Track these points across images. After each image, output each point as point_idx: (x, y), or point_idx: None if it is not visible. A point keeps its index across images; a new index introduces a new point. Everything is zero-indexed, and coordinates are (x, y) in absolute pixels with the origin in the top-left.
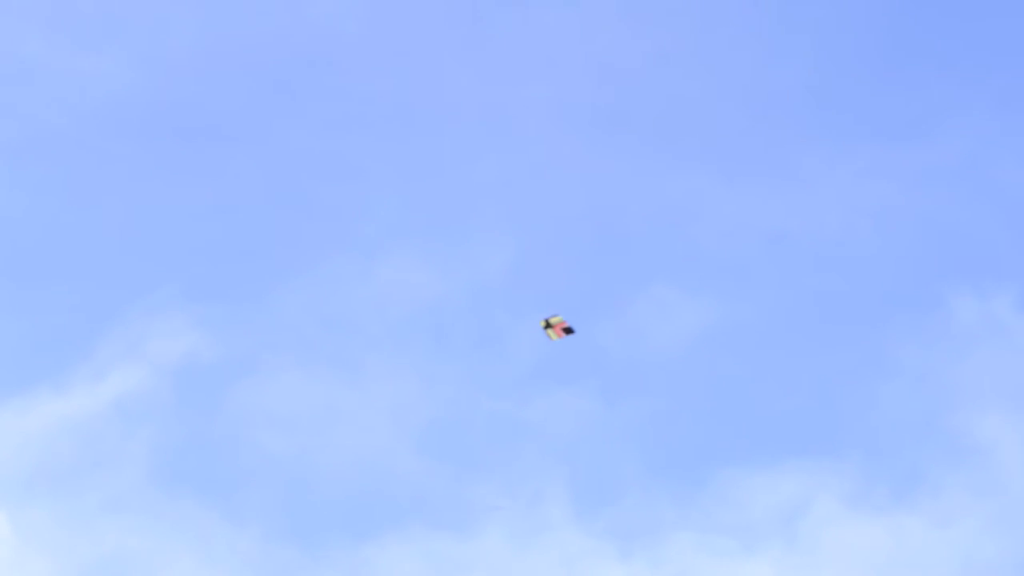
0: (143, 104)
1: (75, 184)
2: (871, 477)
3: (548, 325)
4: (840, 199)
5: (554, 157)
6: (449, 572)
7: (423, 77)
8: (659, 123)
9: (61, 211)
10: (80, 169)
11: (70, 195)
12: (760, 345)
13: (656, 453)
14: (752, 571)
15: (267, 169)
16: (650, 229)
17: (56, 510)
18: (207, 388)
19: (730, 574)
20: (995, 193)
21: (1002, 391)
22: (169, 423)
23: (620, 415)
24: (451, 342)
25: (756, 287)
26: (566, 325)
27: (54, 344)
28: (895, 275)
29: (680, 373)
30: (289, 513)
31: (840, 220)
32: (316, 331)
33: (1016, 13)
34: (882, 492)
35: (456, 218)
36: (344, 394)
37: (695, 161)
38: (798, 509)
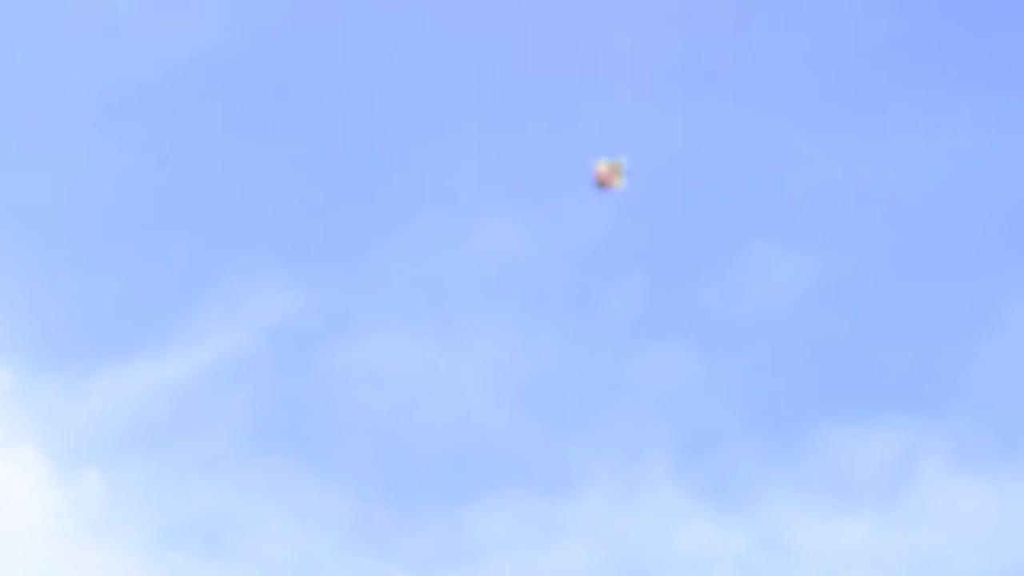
0: (232, 62)
1: (168, 145)
2: (977, 436)
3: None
4: (935, 152)
5: (643, 114)
6: (547, 533)
7: (510, 32)
8: (746, 76)
9: (155, 173)
10: (172, 129)
11: (163, 156)
12: (861, 300)
13: (757, 409)
14: (851, 532)
15: (360, 127)
16: (745, 186)
17: (149, 469)
18: (303, 349)
19: (828, 534)
20: None
21: None
22: (265, 383)
23: (720, 371)
24: (548, 302)
25: (854, 242)
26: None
27: (152, 308)
28: (996, 228)
29: (780, 329)
30: (384, 472)
31: (936, 172)
32: (412, 291)
33: None
34: (989, 452)
35: (549, 178)
36: (441, 353)
37: (784, 115)
38: (900, 468)
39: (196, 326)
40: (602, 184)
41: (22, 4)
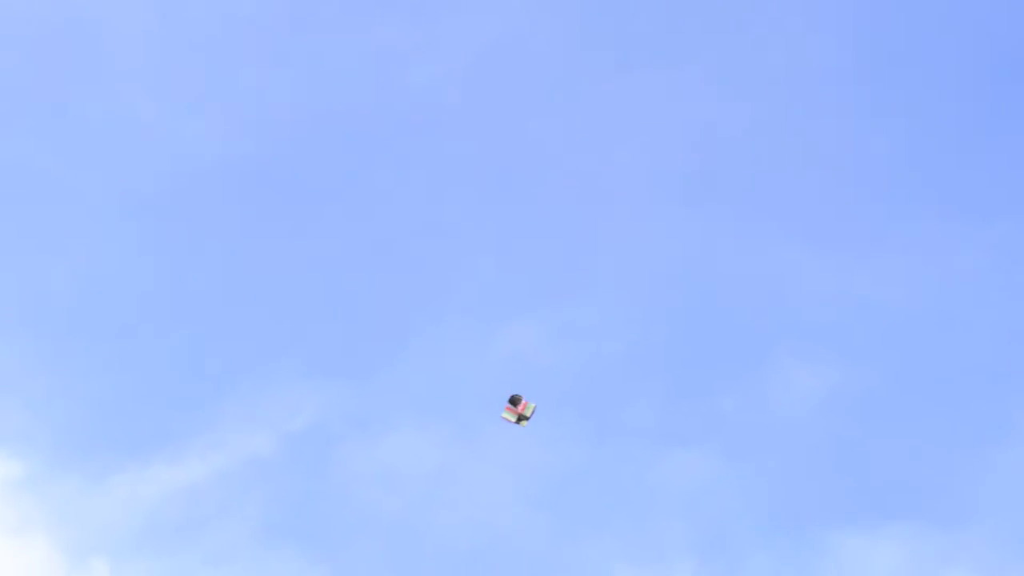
0: (252, 165)
1: (188, 247)
2: (995, 547)
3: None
4: (934, 270)
5: (656, 226)
6: None
7: (522, 144)
8: (753, 192)
9: (174, 275)
10: (193, 232)
11: (183, 258)
12: (876, 411)
13: (773, 513)
14: None
15: (378, 235)
16: (756, 298)
17: (159, 564)
18: (321, 450)
19: None
20: None
21: None
22: (280, 484)
23: (738, 476)
24: (569, 406)
25: (865, 355)
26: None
27: (171, 411)
28: (1000, 345)
29: (798, 437)
30: (397, 571)
31: (935, 289)
32: (431, 393)
33: None
34: (1007, 563)
35: (567, 286)
36: (460, 455)
37: (788, 230)
38: None
39: (215, 431)
40: (514, 411)
41: (45, 107)
